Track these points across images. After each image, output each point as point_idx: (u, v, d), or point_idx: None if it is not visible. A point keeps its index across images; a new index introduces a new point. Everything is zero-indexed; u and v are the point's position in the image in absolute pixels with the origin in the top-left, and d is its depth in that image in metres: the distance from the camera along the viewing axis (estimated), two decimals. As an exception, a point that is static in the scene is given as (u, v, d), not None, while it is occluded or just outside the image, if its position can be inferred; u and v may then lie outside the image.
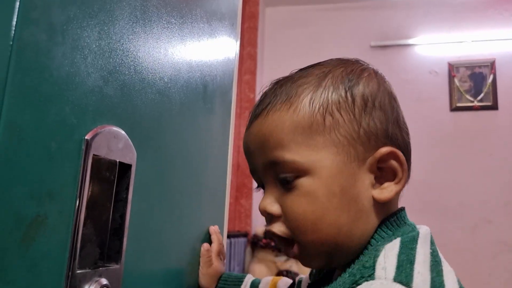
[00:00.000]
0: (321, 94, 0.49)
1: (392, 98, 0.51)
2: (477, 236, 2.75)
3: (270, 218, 0.51)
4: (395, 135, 0.49)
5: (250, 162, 0.53)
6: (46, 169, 0.38)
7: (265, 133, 0.50)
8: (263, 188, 0.53)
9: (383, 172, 0.48)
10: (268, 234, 0.51)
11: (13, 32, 0.34)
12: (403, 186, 0.48)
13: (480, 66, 2.96)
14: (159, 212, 0.61)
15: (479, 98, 2.92)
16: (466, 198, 2.81)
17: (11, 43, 0.34)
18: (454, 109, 2.95)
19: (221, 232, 0.86)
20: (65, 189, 0.40)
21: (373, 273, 0.41)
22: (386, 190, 0.47)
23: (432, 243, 0.47)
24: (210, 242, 0.78)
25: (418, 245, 0.44)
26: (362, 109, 0.48)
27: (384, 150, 0.47)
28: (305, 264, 0.50)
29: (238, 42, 0.99)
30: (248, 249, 2.95)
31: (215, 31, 0.81)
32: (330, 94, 0.48)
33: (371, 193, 0.47)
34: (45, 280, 0.38)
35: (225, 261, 0.82)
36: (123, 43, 0.49)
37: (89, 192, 0.43)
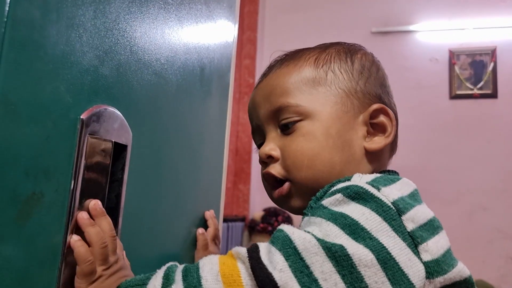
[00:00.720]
0: (325, 56, 0.56)
1: (385, 76, 0.58)
2: (473, 223, 2.77)
3: (270, 161, 0.55)
4: (386, 100, 0.56)
5: (255, 116, 0.58)
6: (42, 147, 0.38)
7: (272, 84, 0.56)
8: (262, 145, 0.57)
9: (375, 129, 0.54)
10: (265, 175, 0.55)
11: (7, 8, 0.34)
12: (391, 140, 0.54)
13: (481, 54, 2.94)
14: (155, 193, 0.61)
15: (479, 86, 2.91)
16: (463, 185, 2.82)
17: (5, 19, 0.34)
18: (454, 96, 2.94)
19: (217, 216, 0.87)
20: (60, 167, 0.40)
21: (349, 179, 0.47)
22: (376, 142, 0.53)
23: (415, 195, 0.49)
24: (206, 226, 0.79)
25: (399, 181, 0.48)
26: (359, 72, 0.55)
27: (376, 106, 0.53)
28: (289, 204, 0.54)
29: (237, 25, 0.99)
30: (246, 234, 2.98)
31: (213, 13, 0.81)
32: (333, 57, 0.56)
33: (363, 143, 0.53)
34: (41, 257, 0.39)
35: (220, 245, 0.82)
36: (119, 23, 0.49)
37: (85, 172, 0.43)
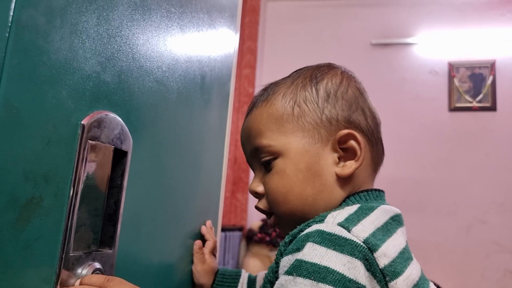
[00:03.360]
0: (292, 90, 0.58)
1: (356, 92, 0.59)
2: (471, 236, 2.77)
3: (258, 197, 0.60)
4: (357, 121, 0.57)
5: (244, 152, 0.63)
6: (42, 152, 0.38)
7: (249, 126, 0.60)
8: None
9: (346, 153, 0.55)
10: (256, 209, 0.60)
11: (11, 13, 0.34)
12: (363, 163, 0.55)
13: (480, 67, 2.96)
14: (153, 200, 0.61)
15: (478, 99, 2.92)
16: (461, 198, 2.82)
17: (9, 24, 0.34)
18: (453, 109, 2.95)
19: (215, 226, 0.87)
20: (60, 172, 0.40)
21: (323, 220, 0.49)
22: (347, 167, 0.55)
23: (397, 221, 0.53)
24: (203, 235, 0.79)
25: (373, 212, 0.50)
26: (324, 100, 0.57)
27: (343, 132, 0.55)
28: (281, 230, 0.59)
29: (238, 35, 0.99)
30: (243, 243, 2.96)
31: (214, 22, 0.81)
32: (298, 90, 0.58)
33: (334, 170, 0.55)
34: (39, 261, 0.39)
35: (217, 255, 0.82)
36: (121, 30, 0.50)
37: (84, 177, 0.43)
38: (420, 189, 2.84)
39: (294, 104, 0.57)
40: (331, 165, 0.55)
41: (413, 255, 0.53)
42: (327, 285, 0.41)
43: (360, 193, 0.55)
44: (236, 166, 3.03)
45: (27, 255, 0.37)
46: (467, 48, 3.02)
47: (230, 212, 2.97)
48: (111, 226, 0.49)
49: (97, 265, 0.45)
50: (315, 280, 0.42)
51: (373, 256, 0.44)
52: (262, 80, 3.30)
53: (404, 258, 0.48)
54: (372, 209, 0.50)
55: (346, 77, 0.59)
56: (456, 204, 2.82)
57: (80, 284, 0.43)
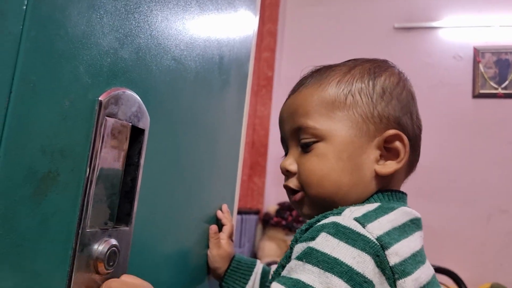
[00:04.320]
0: (348, 78, 0.58)
1: (409, 95, 0.59)
2: (491, 225, 2.72)
3: (288, 176, 0.60)
4: (405, 124, 0.57)
5: (281, 129, 0.63)
6: (59, 126, 0.38)
7: (296, 104, 0.59)
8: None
9: (389, 152, 0.56)
10: (284, 187, 0.60)
11: (28, -15, 0.34)
12: (403, 166, 0.56)
13: (506, 53, 2.86)
14: (170, 180, 0.61)
15: (503, 85, 2.84)
16: (482, 186, 2.76)
17: (26, -4, 0.33)
18: (477, 96, 2.87)
19: (232, 209, 0.87)
20: (77, 147, 0.40)
21: (340, 212, 0.49)
22: (387, 166, 0.55)
23: (416, 225, 0.53)
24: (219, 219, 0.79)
25: (393, 212, 0.51)
26: (380, 96, 0.56)
27: (392, 131, 0.55)
28: (301, 209, 0.59)
29: (258, 15, 0.98)
30: (259, 227, 2.98)
31: (234, 1, 0.80)
32: (355, 79, 0.57)
33: (374, 167, 0.55)
34: (55, 235, 0.39)
35: (234, 239, 0.82)
36: (140, 6, 0.49)
37: (101, 153, 0.43)
38: (440, 177, 2.80)
39: (348, 93, 0.56)
40: (372, 161, 0.55)
41: (427, 260, 0.54)
42: (333, 275, 0.42)
43: (384, 192, 0.55)
44: (254, 150, 3.03)
45: (43, 229, 0.37)
46: (494, 33, 2.92)
47: (247, 195, 2.98)
48: (128, 203, 0.49)
49: (113, 241, 0.45)
50: (323, 269, 0.43)
51: (384, 254, 0.45)
52: (281, 64, 3.27)
53: (416, 260, 0.49)
54: (392, 209, 0.51)
55: (403, 79, 0.60)
56: (476, 193, 2.77)
57: None
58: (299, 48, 3.21)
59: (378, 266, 0.44)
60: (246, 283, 0.75)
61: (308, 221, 0.52)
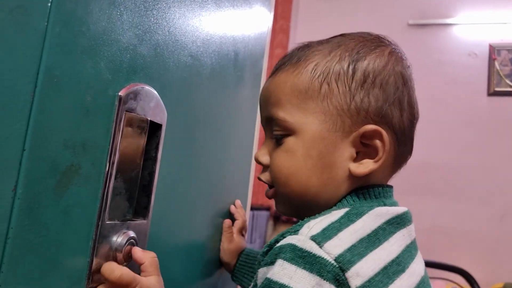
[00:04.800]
0: (326, 62, 0.51)
1: (399, 80, 0.51)
2: (505, 224, 2.69)
3: (263, 167, 0.55)
4: (389, 115, 0.49)
5: (260, 116, 0.57)
6: (81, 121, 0.39)
7: (270, 90, 0.54)
8: None
9: (367, 149, 0.49)
10: (259, 179, 0.56)
11: (53, -17, 0.34)
12: (380, 166, 0.49)
13: (523, 50, 2.82)
14: (186, 175, 0.62)
15: (519, 83, 2.80)
16: (496, 185, 2.73)
17: (51, -6, 0.34)
18: (492, 93, 2.83)
19: (244, 205, 0.87)
20: (98, 142, 0.41)
21: (298, 230, 0.44)
22: (363, 166, 0.49)
23: (395, 224, 0.48)
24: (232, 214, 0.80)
25: (362, 218, 0.45)
26: (359, 84, 0.49)
27: (369, 127, 0.48)
28: (276, 205, 0.55)
29: (272, 12, 0.98)
30: (270, 223, 2.98)
31: (249, -2, 0.80)
32: (333, 64, 0.50)
33: (348, 165, 0.49)
34: (76, 227, 0.40)
35: (246, 234, 0.83)
36: (158, 3, 0.50)
37: (121, 147, 0.44)
38: (453, 175, 2.77)
39: (324, 80, 0.49)
40: (346, 159, 0.49)
41: (416, 258, 0.49)
42: None
43: (359, 192, 0.50)
44: (265, 147, 3.03)
45: (65, 220, 0.38)
46: (510, 30, 2.88)
47: (258, 192, 2.98)
48: (145, 196, 0.50)
49: (132, 233, 0.47)
50: None
51: (344, 276, 0.40)
52: (293, 60, 3.25)
53: (388, 273, 0.44)
54: (360, 215, 0.45)
55: (393, 60, 0.52)
56: (489, 192, 2.74)
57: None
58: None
59: None
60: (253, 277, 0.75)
61: (268, 242, 0.47)
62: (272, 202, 2.96)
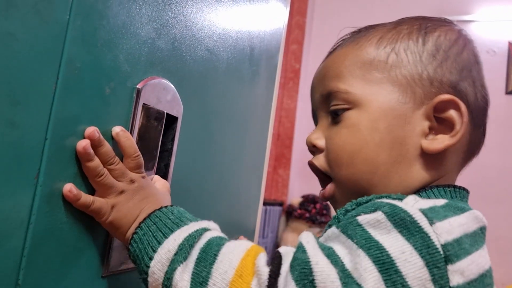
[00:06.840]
0: (392, 35, 0.47)
1: (472, 56, 0.47)
2: (521, 225, 2.65)
3: (315, 151, 0.49)
4: (464, 90, 0.45)
5: (312, 99, 0.52)
6: (101, 112, 0.40)
7: (328, 65, 0.50)
8: None
9: (441, 125, 0.44)
10: (309, 165, 0.49)
11: (76, -23, 0.35)
12: (457, 142, 0.43)
13: (543, 48, 2.77)
14: (201, 166, 0.63)
15: (539, 82, 2.75)
16: (513, 185, 2.70)
17: (74, -13, 0.35)
18: (511, 92, 2.79)
19: (257, 200, 0.88)
20: (116, 133, 0.42)
21: (402, 198, 0.39)
22: (437, 141, 0.43)
23: (484, 235, 0.41)
24: (246, 208, 0.80)
25: (464, 214, 0.38)
26: (431, 54, 0.45)
27: (444, 96, 0.43)
28: (334, 206, 0.48)
29: (288, 7, 0.98)
30: (283, 218, 2.99)
31: (265, -7, 0.81)
32: (401, 36, 0.47)
33: (420, 141, 0.44)
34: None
35: (257, 228, 0.83)
36: (176, -3, 0.50)
37: (138, 138, 0.45)
38: (472, 174, 2.73)
39: (391, 50, 0.45)
40: (418, 134, 0.44)
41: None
42: (367, 257, 0.34)
43: (445, 187, 0.44)
44: (279, 142, 3.04)
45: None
46: (531, 27, 2.83)
47: (271, 187, 3.00)
48: (161, 188, 0.51)
49: (148, 223, 0.47)
50: (357, 244, 0.35)
51: (446, 268, 0.34)
52: (309, 56, 3.25)
53: (484, 283, 0.36)
54: (463, 210, 0.39)
55: (464, 37, 0.47)
56: (506, 191, 2.70)
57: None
58: (327, 41, 3.18)
59: (433, 281, 0.33)
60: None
61: (353, 200, 0.41)
62: (284, 197, 2.97)
